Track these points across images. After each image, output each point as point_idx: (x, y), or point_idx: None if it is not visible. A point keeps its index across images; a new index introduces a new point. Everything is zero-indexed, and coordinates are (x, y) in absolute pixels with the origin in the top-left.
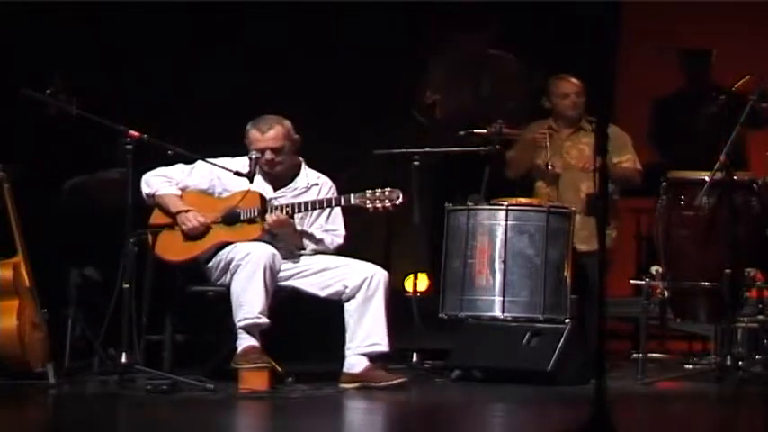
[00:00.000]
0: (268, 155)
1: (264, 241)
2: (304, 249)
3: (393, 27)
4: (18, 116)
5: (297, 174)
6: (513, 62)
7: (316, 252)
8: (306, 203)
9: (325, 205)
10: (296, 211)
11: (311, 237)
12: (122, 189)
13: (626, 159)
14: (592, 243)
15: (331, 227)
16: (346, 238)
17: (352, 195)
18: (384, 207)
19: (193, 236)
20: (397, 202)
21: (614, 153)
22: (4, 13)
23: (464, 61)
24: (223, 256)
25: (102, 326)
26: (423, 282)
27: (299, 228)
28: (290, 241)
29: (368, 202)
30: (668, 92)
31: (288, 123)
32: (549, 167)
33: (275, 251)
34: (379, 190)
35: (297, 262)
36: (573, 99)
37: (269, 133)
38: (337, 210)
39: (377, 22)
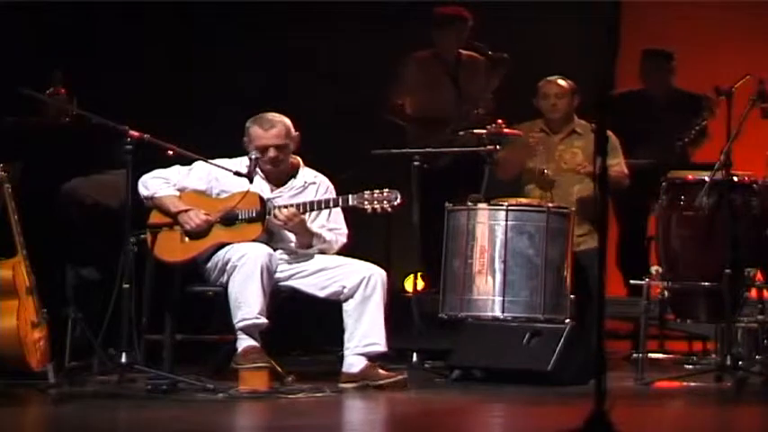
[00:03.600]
0: (272, 152)
1: (261, 241)
2: (312, 247)
3: (393, 26)
4: (18, 116)
5: (294, 173)
6: (482, 63)
7: (320, 252)
8: (305, 204)
9: (323, 206)
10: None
11: (319, 236)
12: (118, 191)
13: (616, 164)
14: (587, 243)
15: (334, 225)
16: (347, 236)
17: (350, 196)
18: (382, 208)
19: (196, 235)
20: (395, 203)
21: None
22: (4, 12)
23: (440, 62)
24: (220, 256)
25: (102, 326)
26: (419, 282)
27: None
28: (300, 240)
29: (366, 203)
30: (624, 89)
31: (288, 121)
32: (546, 172)
33: (271, 251)
34: (377, 191)
35: (297, 262)
36: (552, 101)
37: (272, 131)
38: (338, 208)
39: (377, 22)
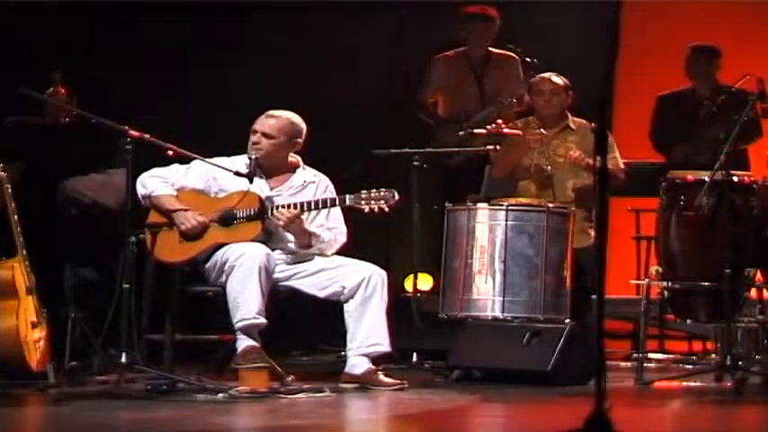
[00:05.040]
0: (254, 137)
1: (259, 241)
2: (311, 247)
3: (393, 26)
4: (18, 116)
5: (293, 172)
6: (514, 61)
7: (319, 251)
8: (302, 204)
9: (321, 206)
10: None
11: (317, 236)
12: (116, 190)
13: (611, 157)
14: (582, 240)
15: (333, 224)
16: (346, 236)
17: (347, 196)
18: (380, 208)
19: (191, 236)
20: (392, 203)
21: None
22: (5, 12)
23: (466, 61)
24: (219, 256)
25: (103, 326)
26: (426, 282)
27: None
28: (299, 240)
29: (363, 202)
30: (674, 89)
31: (297, 124)
32: (548, 167)
33: (269, 251)
34: (374, 191)
35: (296, 262)
36: (547, 98)
37: (269, 121)
38: (337, 207)
39: (377, 22)
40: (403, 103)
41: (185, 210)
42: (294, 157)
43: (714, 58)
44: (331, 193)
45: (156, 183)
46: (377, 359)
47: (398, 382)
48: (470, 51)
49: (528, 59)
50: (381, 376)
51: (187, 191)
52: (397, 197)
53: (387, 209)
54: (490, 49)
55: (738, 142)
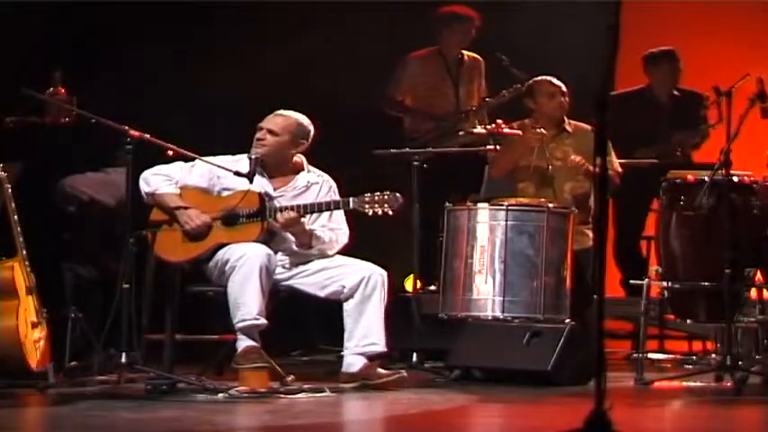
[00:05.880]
0: (259, 133)
1: (260, 242)
2: (312, 248)
3: (394, 26)
4: (18, 116)
5: (297, 173)
6: (480, 63)
7: (320, 252)
8: (306, 206)
9: (324, 208)
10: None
11: (318, 237)
12: (114, 188)
13: (607, 161)
14: (580, 241)
15: (335, 225)
16: (348, 237)
17: (351, 199)
18: (384, 212)
19: (195, 235)
20: (396, 207)
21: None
22: (5, 12)
23: (441, 62)
24: (220, 256)
25: (103, 326)
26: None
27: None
28: (299, 240)
29: (366, 206)
30: (627, 89)
31: (304, 125)
32: (548, 167)
33: (270, 251)
34: (378, 194)
35: (297, 265)
36: (560, 99)
37: (276, 119)
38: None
39: (377, 21)
40: (372, 101)
41: (188, 208)
42: (299, 158)
43: (675, 62)
44: (334, 194)
45: (160, 180)
46: (373, 358)
47: (396, 372)
48: (445, 51)
49: (513, 68)
50: (378, 369)
51: (190, 189)
52: (400, 200)
53: (390, 213)
54: (462, 51)
55: (690, 145)
